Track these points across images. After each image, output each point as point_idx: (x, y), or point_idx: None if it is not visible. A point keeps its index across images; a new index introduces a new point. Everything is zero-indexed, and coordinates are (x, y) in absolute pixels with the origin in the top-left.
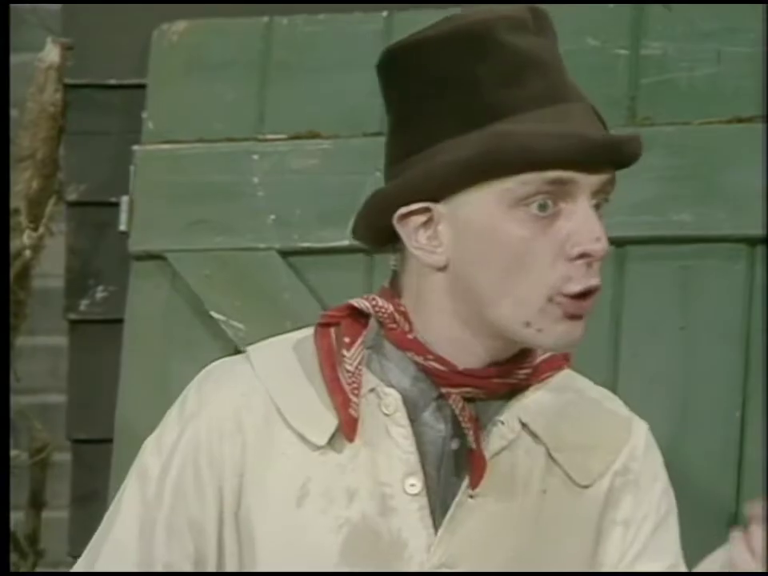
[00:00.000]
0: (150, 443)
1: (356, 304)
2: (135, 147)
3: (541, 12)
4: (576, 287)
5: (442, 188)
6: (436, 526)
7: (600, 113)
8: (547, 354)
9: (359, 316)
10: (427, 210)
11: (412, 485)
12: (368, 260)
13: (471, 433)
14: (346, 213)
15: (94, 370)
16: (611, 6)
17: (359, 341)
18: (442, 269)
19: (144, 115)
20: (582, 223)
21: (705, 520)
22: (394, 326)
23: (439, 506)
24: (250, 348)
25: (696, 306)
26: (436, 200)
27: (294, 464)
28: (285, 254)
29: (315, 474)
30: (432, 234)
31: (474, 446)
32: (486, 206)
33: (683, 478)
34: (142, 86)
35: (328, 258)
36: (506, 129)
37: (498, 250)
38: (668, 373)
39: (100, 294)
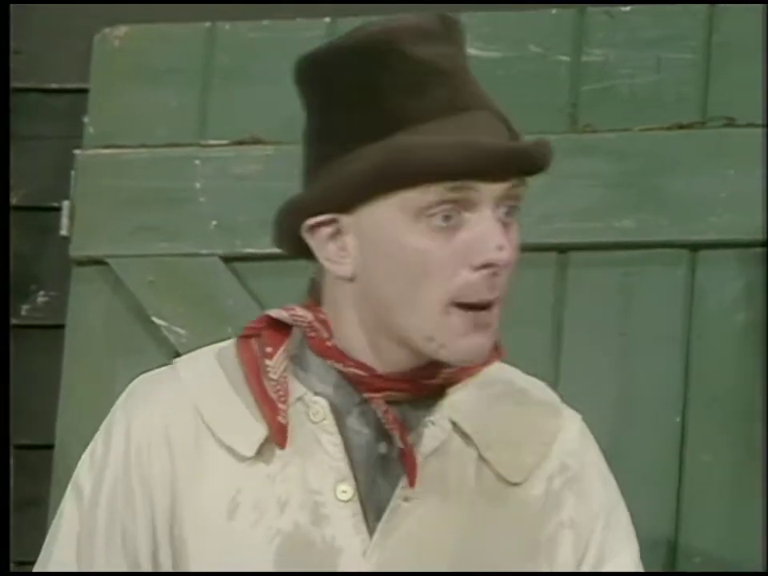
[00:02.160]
0: (83, 459)
1: (274, 314)
2: (76, 152)
3: (450, 20)
4: (473, 297)
5: (347, 199)
6: (370, 531)
7: (509, 120)
8: None
9: (280, 326)
10: (335, 221)
11: (343, 491)
12: (310, 266)
13: (398, 435)
14: None
15: (35, 375)
16: (553, 12)
17: (281, 350)
18: (351, 279)
19: (85, 120)
20: (484, 233)
21: (645, 525)
22: (314, 334)
23: (373, 510)
24: (175, 360)
25: (637, 312)
26: (343, 211)
27: (224, 477)
28: (227, 259)
29: (245, 485)
30: (341, 245)
31: (402, 446)
32: (389, 218)
33: (623, 484)
34: (84, 91)
35: (270, 264)
36: (404, 141)
37: (402, 261)
38: (609, 378)
39: (41, 298)
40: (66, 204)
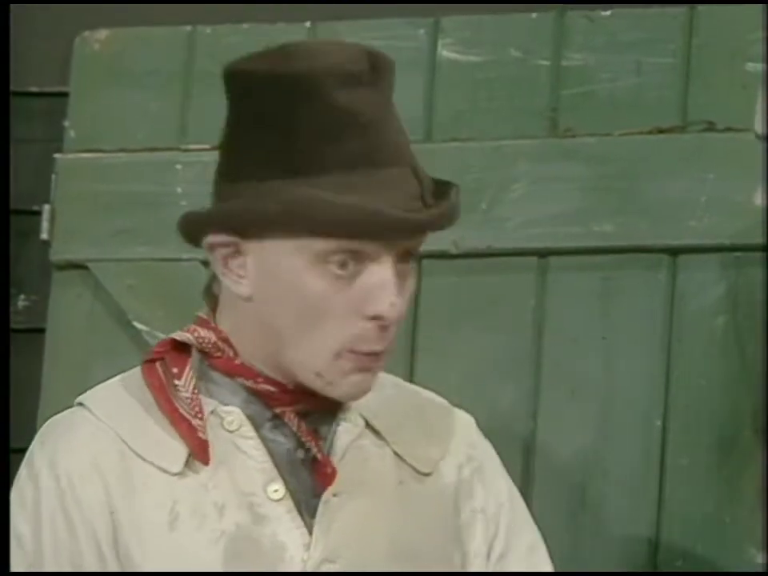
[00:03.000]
0: (14, 508)
1: (178, 337)
2: (57, 156)
3: (380, 61)
4: (364, 347)
5: (249, 231)
6: (308, 525)
7: (424, 176)
8: None
9: (181, 347)
10: (236, 242)
11: (275, 490)
12: None
13: (314, 445)
14: None
15: (15, 380)
16: (533, 15)
17: (187, 368)
18: (248, 300)
19: (66, 124)
20: (379, 286)
21: (626, 527)
22: (219, 354)
23: (305, 507)
24: (80, 398)
25: (617, 316)
26: (245, 237)
27: (158, 492)
28: (208, 264)
29: (181, 496)
30: (241, 263)
31: (318, 456)
32: (287, 256)
33: (604, 488)
34: (64, 94)
35: None
36: (307, 194)
37: (296, 299)
38: (590, 382)
39: (22, 302)
40: (46, 208)
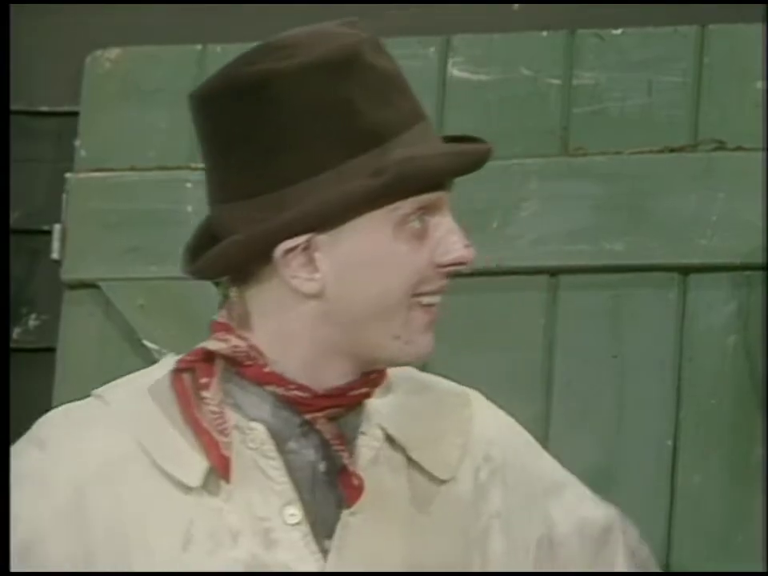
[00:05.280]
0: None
1: (211, 347)
2: (68, 175)
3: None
4: (432, 287)
5: (335, 220)
6: (322, 549)
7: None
8: None
9: (209, 357)
10: (308, 240)
11: (291, 515)
12: None
13: (344, 454)
14: None
15: (26, 399)
16: (544, 34)
17: (215, 380)
18: (316, 297)
19: (77, 143)
20: (450, 233)
21: None
22: (250, 362)
23: (322, 530)
24: (99, 391)
25: (628, 335)
26: (320, 231)
27: (174, 508)
28: (218, 283)
29: (196, 517)
30: (306, 261)
31: (347, 462)
32: (373, 229)
33: (615, 505)
34: (75, 113)
35: None
36: (401, 155)
37: (384, 272)
38: (601, 401)
39: (33, 322)
40: (57, 227)
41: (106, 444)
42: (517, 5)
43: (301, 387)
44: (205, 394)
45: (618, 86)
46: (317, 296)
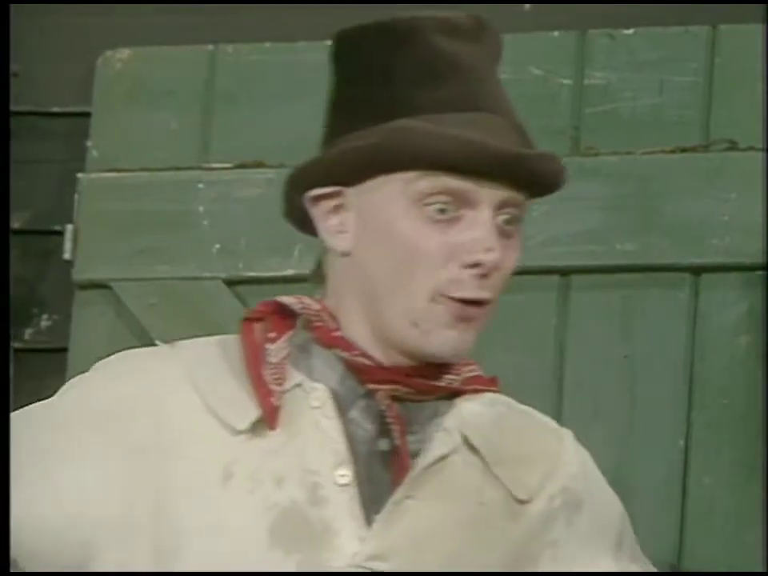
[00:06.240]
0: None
1: (283, 300)
2: (80, 175)
3: (484, 22)
4: (463, 293)
5: (350, 173)
6: (367, 519)
7: (525, 129)
8: (473, 373)
9: (286, 314)
10: (338, 194)
11: (342, 475)
12: (312, 288)
13: (397, 430)
14: (290, 242)
15: (38, 399)
16: (555, 34)
17: (285, 337)
18: (346, 255)
19: (88, 143)
20: (478, 232)
21: (649, 547)
22: (320, 323)
23: (371, 499)
24: (174, 342)
25: (640, 335)
26: (347, 185)
27: (215, 448)
28: (230, 283)
29: (239, 457)
30: (342, 219)
31: (398, 442)
32: (389, 197)
33: (627, 507)
34: (86, 114)
35: (273, 287)
36: (406, 124)
37: (392, 245)
38: (612, 401)
39: (45, 322)
40: (68, 228)
41: (158, 373)
42: (528, 5)
43: (365, 354)
44: (269, 346)
45: (630, 86)
46: (347, 254)
